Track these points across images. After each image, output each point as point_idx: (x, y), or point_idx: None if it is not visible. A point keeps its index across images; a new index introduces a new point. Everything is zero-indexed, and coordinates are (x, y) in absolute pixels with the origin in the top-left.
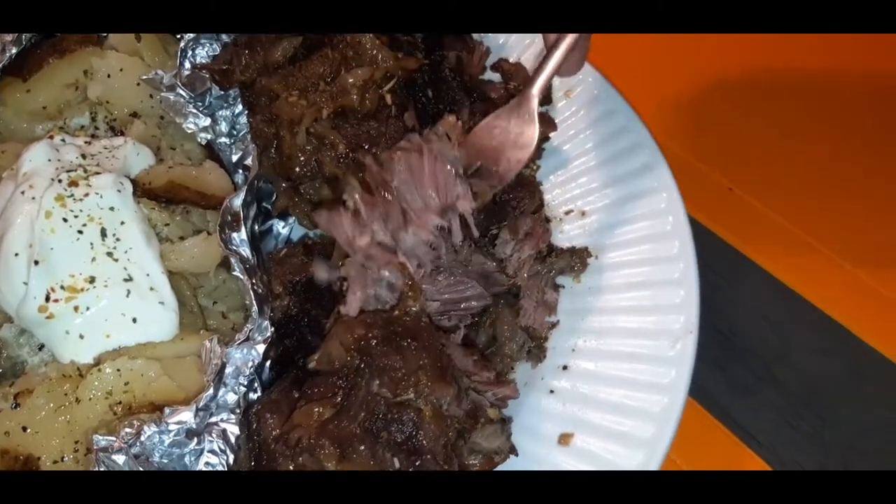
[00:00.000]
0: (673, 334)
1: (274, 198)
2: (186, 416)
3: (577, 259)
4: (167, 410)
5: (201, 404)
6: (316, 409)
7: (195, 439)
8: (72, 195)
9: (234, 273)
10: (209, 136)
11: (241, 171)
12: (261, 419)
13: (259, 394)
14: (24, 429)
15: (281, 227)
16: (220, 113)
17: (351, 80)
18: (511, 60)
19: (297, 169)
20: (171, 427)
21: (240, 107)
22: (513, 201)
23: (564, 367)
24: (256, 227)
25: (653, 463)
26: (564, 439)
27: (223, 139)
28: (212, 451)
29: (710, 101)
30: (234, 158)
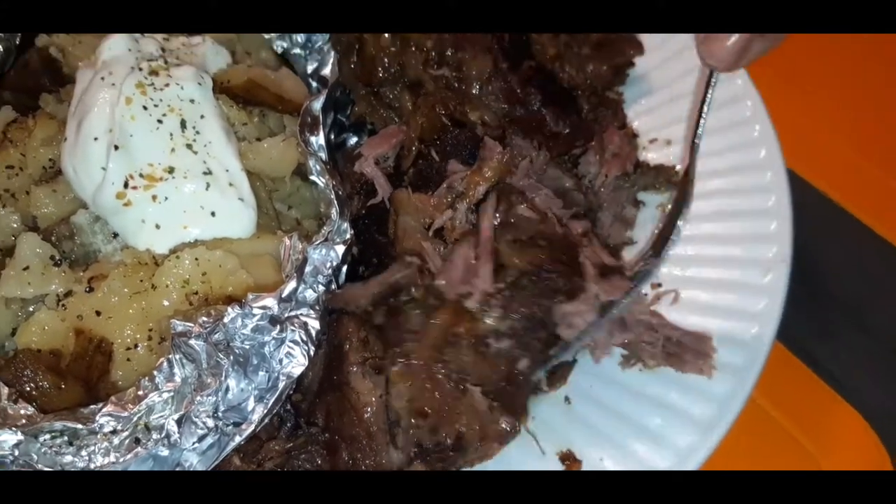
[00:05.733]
0: (765, 264)
1: (349, 110)
2: (270, 302)
3: (663, 176)
4: (251, 296)
5: (284, 294)
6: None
7: (277, 327)
8: (152, 84)
9: (311, 178)
10: (285, 45)
11: (315, 82)
12: (340, 324)
13: None
14: (98, 313)
15: (353, 142)
16: None
17: None
18: None
19: (380, 70)
20: (255, 311)
21: None
22: (598, 120)
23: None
24: (332, 137)
25: (740, 393)
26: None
27: (298, 49)
28: (293, 342)
29: (801, 41)
30: (310, 69)
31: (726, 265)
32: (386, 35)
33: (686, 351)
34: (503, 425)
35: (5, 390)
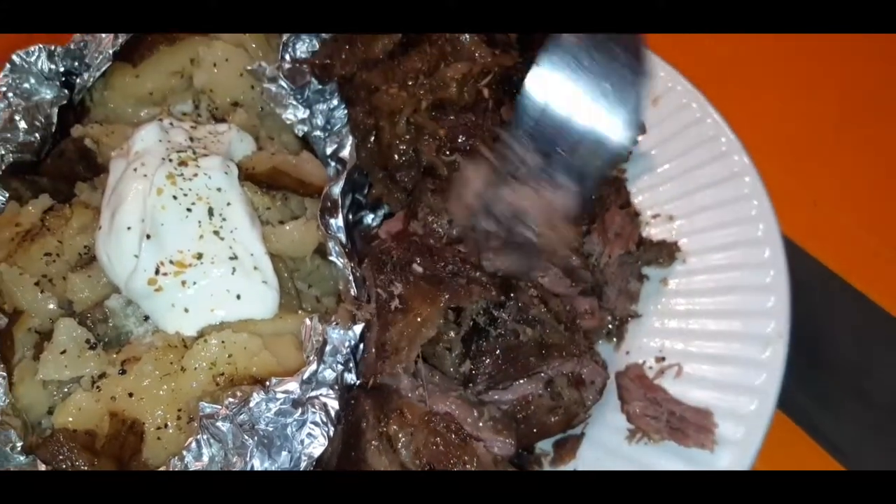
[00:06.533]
0: (763, 338)
1: (367, 189)
2: (292, 386)
3: (665, 252)
4: (274, 380)
5: (305, 376)
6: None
7: (299, 409)
8: (181, 174)
9: (331, 258)
10: (305, 129)
11: (334, 163)
12: (358, 402)
13: (354, 374)
14: (130, 395)
15: (370, 220)
16: (318, 106)
17: (450, 74)
18: None
19: (396, 157)
20: (279, 396)
21: (336, 101)
22: (601, 199)
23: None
24: (350, 217)
25: (741, 467)
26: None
27: (318, 132)
28: (314, 423)
29: (799, 113)
30: (329, 151)
31: (726, 339)
32: (401, 124)
33: (688, 425)
34: None
35: (43, 468)
